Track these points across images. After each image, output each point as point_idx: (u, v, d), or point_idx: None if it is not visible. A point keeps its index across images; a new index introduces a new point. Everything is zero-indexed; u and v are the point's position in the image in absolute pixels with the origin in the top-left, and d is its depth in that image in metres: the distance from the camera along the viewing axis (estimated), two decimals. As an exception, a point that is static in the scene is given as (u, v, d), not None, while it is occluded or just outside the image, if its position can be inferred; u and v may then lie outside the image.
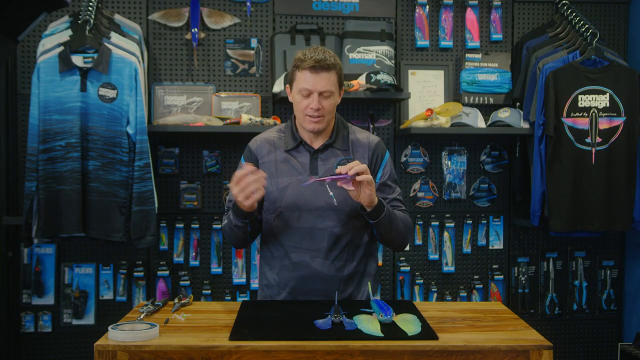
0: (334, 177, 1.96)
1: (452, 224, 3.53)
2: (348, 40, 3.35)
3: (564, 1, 3.40)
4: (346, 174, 1.92)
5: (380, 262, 3.46)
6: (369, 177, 1.95)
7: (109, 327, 1.74)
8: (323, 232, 2.14)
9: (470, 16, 3.50)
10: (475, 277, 3.56)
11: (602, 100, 3.21)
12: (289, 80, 2.17)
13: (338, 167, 2.04)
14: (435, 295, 3.54)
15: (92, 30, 2.95)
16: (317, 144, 2.18)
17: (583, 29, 3.27)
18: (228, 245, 3.42)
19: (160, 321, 1.87)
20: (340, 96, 2.18)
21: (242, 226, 2.10)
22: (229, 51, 3.40)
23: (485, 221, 3.56)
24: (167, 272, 3.35)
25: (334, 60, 2.11)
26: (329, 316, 1.83)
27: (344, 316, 1.83)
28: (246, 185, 1.95)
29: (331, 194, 2.04)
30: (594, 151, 3.21)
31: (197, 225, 3.38)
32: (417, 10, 3.48)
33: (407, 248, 3.50)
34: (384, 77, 3.19)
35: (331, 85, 2.09)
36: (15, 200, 3.27)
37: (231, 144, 3.40)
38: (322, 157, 2.17)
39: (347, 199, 2.13)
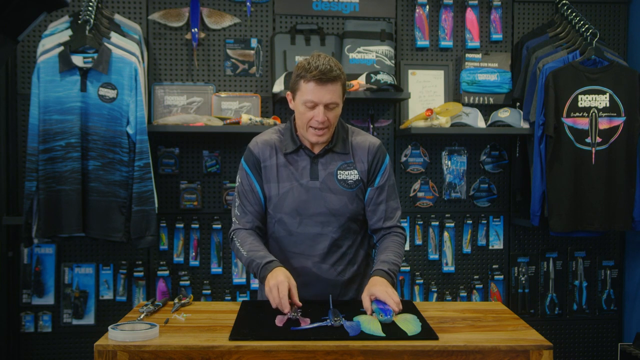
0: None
1: (452, 224, 3.53)
2: (348, 40, 3.35)
3: (564, 1, 3.40)
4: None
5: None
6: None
7: (109, 327, 1.74)
8: (324, 238, 2.14)
9: (470, 16, 3.50)
10: (475, 277, 3.56)
11: (602, 100, 3.21)
12: (292, 89, 2.11)
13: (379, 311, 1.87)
14: (435, 295, 3.53)
15: (92, 30, 2.95)
16: (317, 148, 2.16)
17: (583, 29, 3.27)
18: (228, 245, 3.42)
19: (160, 321, 1.87)
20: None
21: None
22: (229, 51, 3.40)
23: (485, 221, 3.56)
24: (167, 272, 3.35)
25: (339, 70, 2.05)
26: (328, 320, 1.82)
27: (343, 319, 1.82)
28: (283, 306, 1.92)
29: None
30: (594, 151, 3.21)
31: (197, 225, 3.38)
32: (417, 10, 3.48)
33: (407, 248, 3.51)
34: (384, 77, 3.19)
35: (337, 97, 2.05)
36: (15, 200, 3.27)
37: (231, 144, 3.40)
38: (322, 161, 2.15)
39: (348, 205, 2.13)
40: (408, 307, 2.07)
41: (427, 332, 1.77)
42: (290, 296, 1.93)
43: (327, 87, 2.02)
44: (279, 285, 1.93)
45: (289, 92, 2.14)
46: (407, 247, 3.50)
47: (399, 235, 2.18)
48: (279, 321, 1.84)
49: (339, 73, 2.05)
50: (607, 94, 3.21)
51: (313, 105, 2.04)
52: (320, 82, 2.01)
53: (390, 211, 2.18)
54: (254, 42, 3.41)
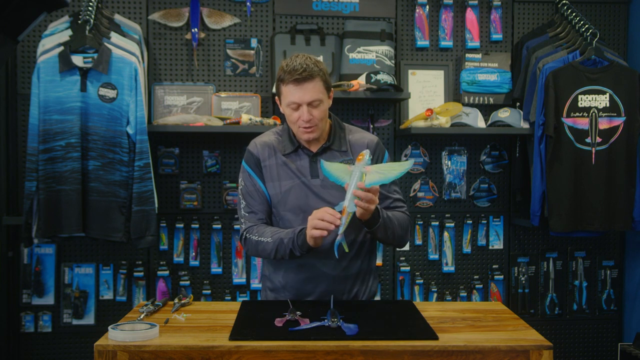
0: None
1: (452, 224, 3.53)
2: (348, 40, 3.35)
3: (564, 1, 3.40)
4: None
5: (380, 262, 3.47)
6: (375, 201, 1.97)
7: (109, 327, 1.75)
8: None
9: (470, 16, 3.50)
10: (475, 277, 3.56)
11: (602, 100, 3.21)
12: (277, 94, 2.16)
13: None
14: (435, 295, 3.53)
15: (92, 30, 2.95)
16: (315, 147, 2.18)
17: (583, 29, 3.27)
18: (228, 245, 3.42)
19: (160, 321, 1.87)
20: (330, 98, 2.16)
21: (294, 255, 2.08)
22: (229, 51, 3.40)
23: (485, 221, 3.56)
24: (167, 272, 3.35)
25: (316, 66, 2.07)
26: (326, 320, 1.83)
27: (341, 321, 1.82)
28: (327, 225, 1.93)
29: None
30: (594, 151, 3.21)
31: (197, 225, 3.38)
32: (417, 10, 3.48)
33: (407, 248, 3.50)
34: (384, 77, 3.19)
35: (318, 94, 2.07)
36: (15, 200, 3.27)
37: (231, 144, 3.40)
38: (321, 159, 2.16)
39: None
40: (408, 307, 2.07)
41: (427, 332, 1.77)
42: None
43: (305, 86, 2.05)
44: (316, 213, 1.95)
45: (277, 97, 2.17)
46: (407, 247, 3.50)
47: (404, 212, 2.23)
48: (279, 321, 1.85)
49: (316, 70, 2.06)
50: (607, 94, 3.21)
51: (296, 107, 2.07)
52: (297, 83, 2.04)
53: (395, 206, 2.22)
54: (254, 42, 3.41)
